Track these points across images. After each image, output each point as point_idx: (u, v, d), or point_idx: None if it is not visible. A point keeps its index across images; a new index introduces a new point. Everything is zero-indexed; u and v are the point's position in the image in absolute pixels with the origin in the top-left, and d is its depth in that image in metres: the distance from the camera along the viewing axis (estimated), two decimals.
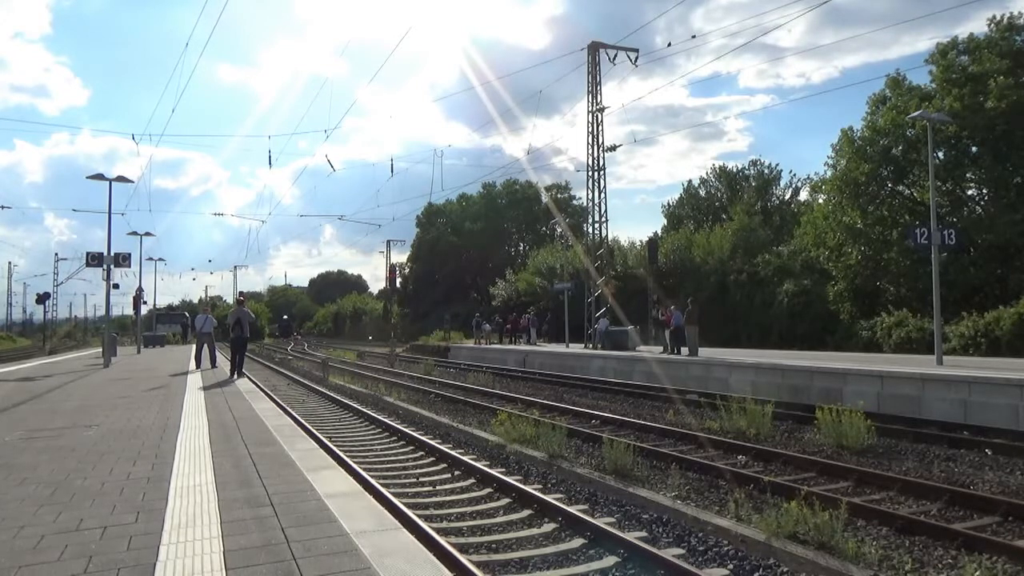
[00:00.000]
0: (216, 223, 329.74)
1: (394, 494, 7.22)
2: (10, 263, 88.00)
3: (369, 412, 13.90)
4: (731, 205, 44.66)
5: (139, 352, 31.47)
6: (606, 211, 28.24)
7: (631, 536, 5.81)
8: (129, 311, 67.89)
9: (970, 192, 27.21)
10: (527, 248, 62.13)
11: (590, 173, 28.13)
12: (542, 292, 41.97)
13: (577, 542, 5.90)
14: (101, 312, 61.56)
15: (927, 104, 23.85)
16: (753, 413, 10.97)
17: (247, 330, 15.98)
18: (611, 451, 8.42)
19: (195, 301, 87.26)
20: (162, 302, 76.96)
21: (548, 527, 6.36)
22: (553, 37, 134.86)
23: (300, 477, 5.12)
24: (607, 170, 28.50)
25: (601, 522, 6.18)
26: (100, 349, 24.53)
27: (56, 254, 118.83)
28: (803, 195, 44.85)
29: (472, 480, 8.27)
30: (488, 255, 62.80)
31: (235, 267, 78.49)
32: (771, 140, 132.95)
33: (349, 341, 69.25)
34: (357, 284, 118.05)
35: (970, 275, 24.01)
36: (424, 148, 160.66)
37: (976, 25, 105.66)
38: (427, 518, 6.55)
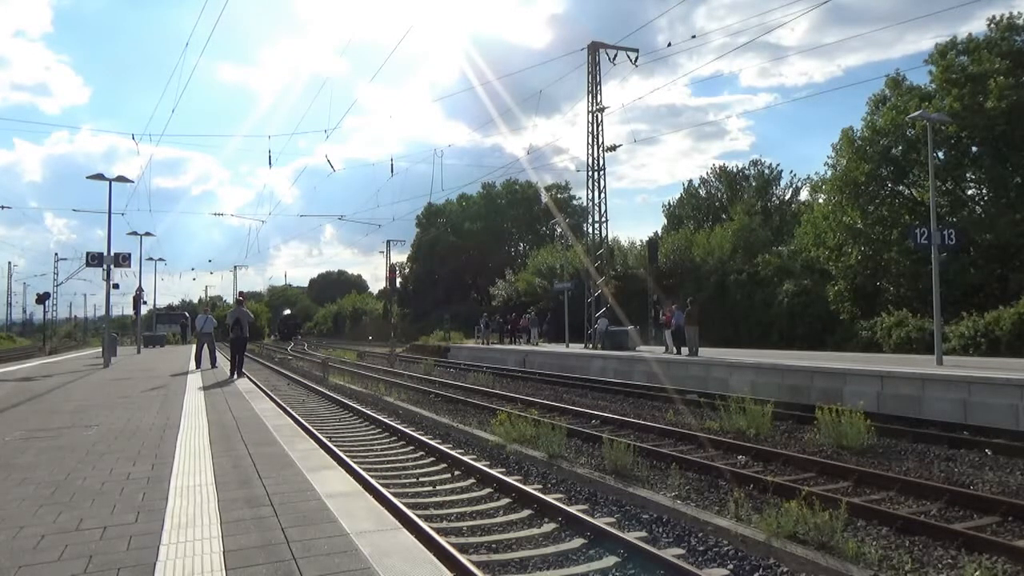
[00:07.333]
0: (216, 223, 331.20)
1: (394, 494, 7.22)
2: (10, 263, 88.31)
3: (369, 412, 13.90)
4: (731, 205, 44.67)
5: (139, 352, 31.47)
6: (606, 211, 28.35)
7: (631, 536, 5.81)
8: (129, 311, 67.89)
9: (970, 192, 27.21)
10: (527, 248, 62.12)
11: (590, 173, 28.17)
12: (542, 292, 41.95)
13: (577, 542, 5.90)
14: (101, 312, 61.58)
15: (927, 104, 23.85)
16: (753, 413, 10.97)
17: (247, 330, 16.06)
18: (611, 451, 8.42)
19: (195, 301, 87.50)
20: (162, 302, 76.99)
21: (548, 527, 6.35)
22: (554, 36, 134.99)
23: (300, 477, 5.12)
24: (608, 170, 28.62)
25: (601, 522, 6.17)
26: (100, 349, 24.54)
27: (56, 254, 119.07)
28: (803, 195, 44.93)
29: (472, 480, 8.27)
30: (488, 255, 62.79)
31: (235, 267, 78.79)
32: (773, 139, 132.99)
33: (349, 341, 69.15)
34: (357, 284, 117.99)
35: (970, 275, 24.01)
36: (424, 148, 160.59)
37: (981, 25, 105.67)
38: (427, 518, 6.54)
